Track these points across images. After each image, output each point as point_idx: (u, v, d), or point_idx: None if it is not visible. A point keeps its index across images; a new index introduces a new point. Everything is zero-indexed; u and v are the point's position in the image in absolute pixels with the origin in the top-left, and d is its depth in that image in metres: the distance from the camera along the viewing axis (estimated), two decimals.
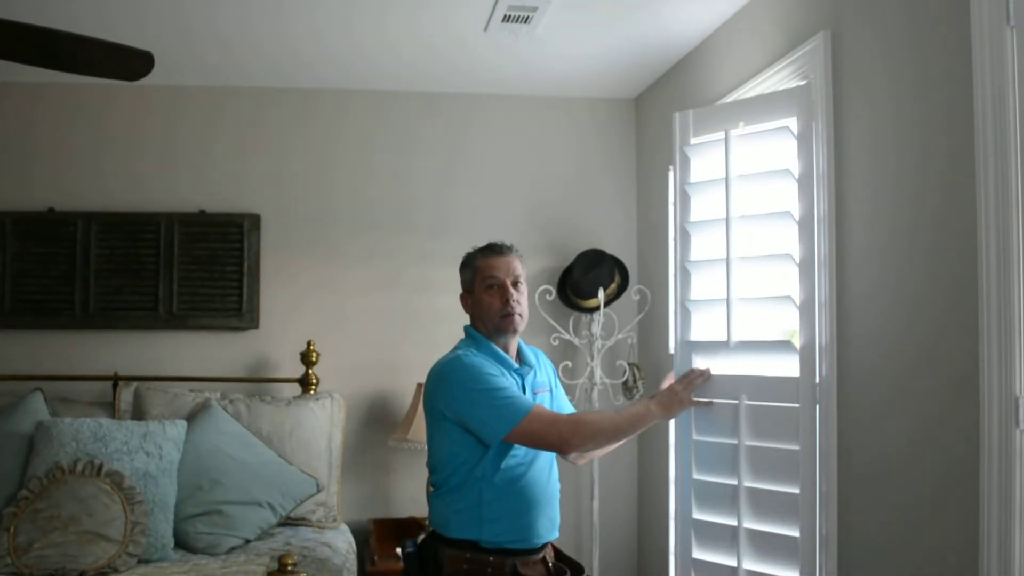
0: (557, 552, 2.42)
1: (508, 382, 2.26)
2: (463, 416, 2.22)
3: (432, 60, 3.61)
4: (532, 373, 2.41)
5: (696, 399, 2.49)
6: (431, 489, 2.37)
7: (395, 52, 3.52)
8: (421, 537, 2.39)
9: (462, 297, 2.44)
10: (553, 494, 2.36)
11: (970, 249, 1.88)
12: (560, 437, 2.20)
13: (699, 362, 2.71)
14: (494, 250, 2.40)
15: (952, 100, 1.96)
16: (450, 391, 2.25)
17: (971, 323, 1.87)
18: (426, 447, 2.45)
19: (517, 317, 2.33)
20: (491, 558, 2.21)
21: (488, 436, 2.20)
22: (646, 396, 2.64)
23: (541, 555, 2.31)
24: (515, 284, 2.36)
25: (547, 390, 2.46)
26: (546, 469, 2.35)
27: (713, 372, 2.59)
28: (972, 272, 1.87)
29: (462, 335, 2.42)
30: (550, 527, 2.33)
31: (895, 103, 2.18)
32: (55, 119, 3.83)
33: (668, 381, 2.71)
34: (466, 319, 2.44)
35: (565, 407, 2.56)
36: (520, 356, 2.43)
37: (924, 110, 2.08)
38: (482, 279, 2.36)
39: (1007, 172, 1.79)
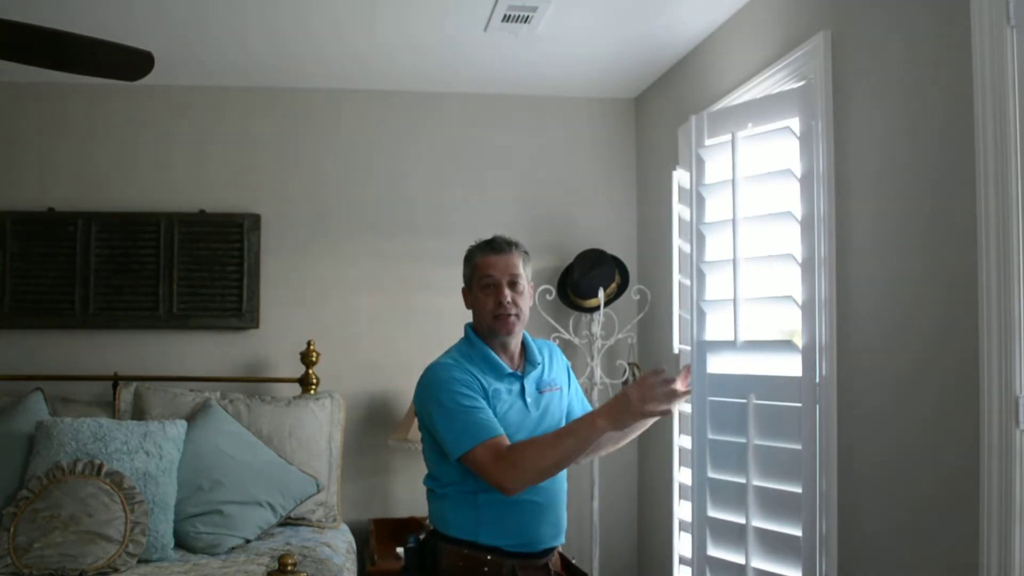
0: (564, 560, 2.31)
1: (479, 402, 2.14)
2: (430, 426, 2.18)
3: (431, 60, 3.61)
4: (539, 371, 2.31)
5: (651, 409, 2.01)
6: (427, 489, 2.30)
7: (393, 52, 3.52)
8: (422, 535, 2.34)
9: (463, 292, 2.35)
10: (559, 498, 2.25)
11: (970, 249, 1.88)
12: (497, 481, 2.07)
13: (712, 362, 2.71)
14: (493, 247, 2.29)
15: (952, 100, 1.96)
16: (424, 398, 2.21)
17: (971, 323, 1.87)
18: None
19: (512, 319, 2.22)
20: (488, 557, 2.13)
21: (448, 452, 2.14)
22: None
23: (544, 561, 2.20)
24: (513, 284, 2.24)
25: (558, 388, 2.35)
26: None
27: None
28: (972, 272, 1.87)
29: (461, 334, 2.34)
30: (555, 532, 2.23)
31: (895, 103, 2.18)
32: (55, 119, 3.83)
33: (682, 379, 2.69)
34: (468, 316, 2.35)
35: (579, 407, 2.42)
36: (526, 354, 2.32)
37: (924, 110, 2.08)
38: (479, 277, 2.26)
39: (1007, 172, 1.80)
